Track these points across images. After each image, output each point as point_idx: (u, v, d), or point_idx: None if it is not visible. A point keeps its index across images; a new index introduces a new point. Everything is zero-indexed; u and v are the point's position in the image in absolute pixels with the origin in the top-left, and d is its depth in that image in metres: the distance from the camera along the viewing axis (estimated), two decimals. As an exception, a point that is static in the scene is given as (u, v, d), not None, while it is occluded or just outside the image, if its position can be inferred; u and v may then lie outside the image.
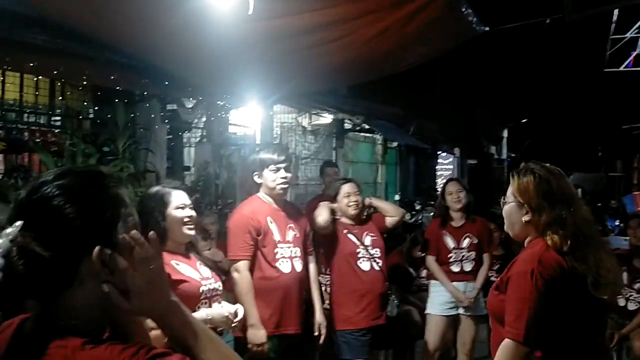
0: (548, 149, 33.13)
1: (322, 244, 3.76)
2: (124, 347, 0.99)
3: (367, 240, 3.78)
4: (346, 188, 3.82)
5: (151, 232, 1.09)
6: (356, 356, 3.59)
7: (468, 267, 4.29)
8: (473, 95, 16.69)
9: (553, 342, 1.95)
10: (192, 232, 2.55)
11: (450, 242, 4.28)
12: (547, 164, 2.17)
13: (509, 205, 2.15)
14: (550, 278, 1.91)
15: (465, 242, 4.28)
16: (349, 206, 3.76)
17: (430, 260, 4.36)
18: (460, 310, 4.28)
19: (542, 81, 16.82)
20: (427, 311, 4.37)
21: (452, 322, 4.31)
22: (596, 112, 18.88)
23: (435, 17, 3.81)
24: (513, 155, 30.71)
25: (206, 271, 2.58)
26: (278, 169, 3.15)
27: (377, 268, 3.74)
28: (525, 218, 2.07)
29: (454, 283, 4.27)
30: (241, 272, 3.02)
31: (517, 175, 2.14)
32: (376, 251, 3.77)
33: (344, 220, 3.82)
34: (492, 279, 5.14)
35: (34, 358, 0.99)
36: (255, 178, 3.19)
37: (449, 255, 4.27)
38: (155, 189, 2.58)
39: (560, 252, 1.96)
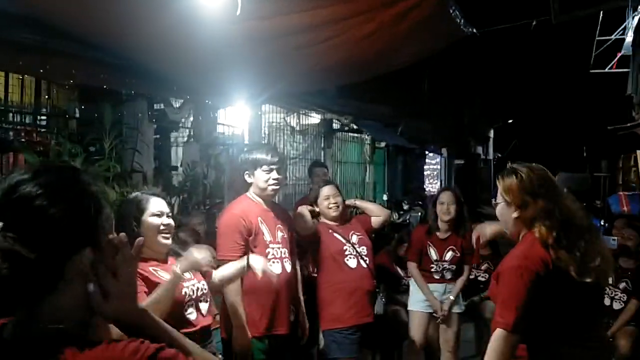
0: (534, 149, 33.38)
1: (309, 245, 3.76)
2: (125, 344, 0.98)
3: (354, 238, 3.80)
4: (325, 191, 3.84)
5: (139, 238, 1.09)
6: (345, 354, 3.59)
7: (448, 275, 4.35)
8: (461, 95, 16.79)
9: (540, 331, 2.10)
10: (168, 242, 2.49)
11: (433, 254, 4.32)
12: (531, 163, 2.34)
13: (500, 205, 2.32)
14: (536, 272, 2.06)
15: (449, 255, 4.31)
16: (330, 208, 3.79)
17: (412, 266, 4.39)
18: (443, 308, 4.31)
19: (528, 82, 16.97)
20: (409, 308, 4.42)
21: (434, 319, 4.33)
22: (582, 112, 19.06)
23: (424, 17, 3.81)
24: (499, 155, 30.94)
25: (187, 273, 2.54)
26: (271, 170, 3.14)
27: (364, 265, 3.75)
28: (514, 215, 2.24)
29: (434, 284, 4.31)
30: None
31: (502, 176, 2.32)
32: (363, 249, 3.79)
33: (327, 222, 3.82)
34: (480, 278, 5.18)
35: None
36: (246, 177, 3.16)
37: (430, 266, 4.32)
38: (134, 194, 2.54)
39: (546, 244, 2.11)
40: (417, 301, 4.36)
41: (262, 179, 3.13)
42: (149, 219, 2.43)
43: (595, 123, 16.36)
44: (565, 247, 2.09)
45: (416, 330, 4.31)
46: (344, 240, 3.75)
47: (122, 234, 1.07)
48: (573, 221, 2.16)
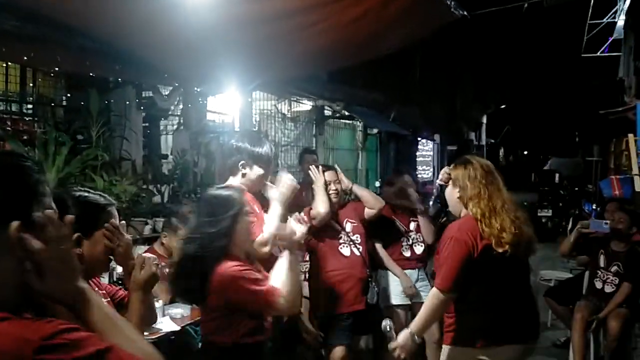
0: (526, 135, 33.49)
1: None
2: (32, 321, 1.01)
3: (348, 226, 3.79)
4: (326, 176, 3.80)
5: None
6: (337, 341, 3.59)
7: (419, 249, 4.30)
8: (453, 81, 16.74)
9: (468, 290, 2.62)
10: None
11: (399, 226, 4.31)
12: (482, 159, 2.86)
13: (448, 187, 2.86)
14: (465, 242, 2.60)
15: (412, 225, 4.31)
16: (330, 194, 3.74)
17: (379, 247, 4.31)
18: (415, 299, 4.20)
19: (520, 67, 16.93)
20: (393, 302, 4.28)
21: (410, 310, 4.28)
22: (573, 97, 19.08)
23: (413, 0, 3.77)
24: (492, 141, 30.96)
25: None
26: (268, 167, 3.09)
27: (357, 253, 3.74)
28: (456, 194, 2.77)
29: (407, 271, 4.26)
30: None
31: (456, 164, 2.82)
32: (357, 237, 3.79)
33: None
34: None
35: None
36: (241, 167, 3.06)
37: (400, 239, 4.28)
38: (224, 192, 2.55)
39: (477, 220, 2.63)
40: (394, 294, 4.26)
41: (259, 174, 3.06)
42: (246, 217, 2.48)
43: (587, 108, 16.38)
44: (488, 224, 2.60)
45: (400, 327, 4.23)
46: (339, 228, 3.73)
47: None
48: (499, 205, 2.65)
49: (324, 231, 3.73)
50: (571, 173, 17.21)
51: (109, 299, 1.93)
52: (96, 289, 1.88)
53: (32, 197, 1.12)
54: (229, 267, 2.28)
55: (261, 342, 2.44)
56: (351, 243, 3.74)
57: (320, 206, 3.60)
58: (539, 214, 11.81)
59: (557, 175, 15.30)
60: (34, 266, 1.06)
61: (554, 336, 5.45)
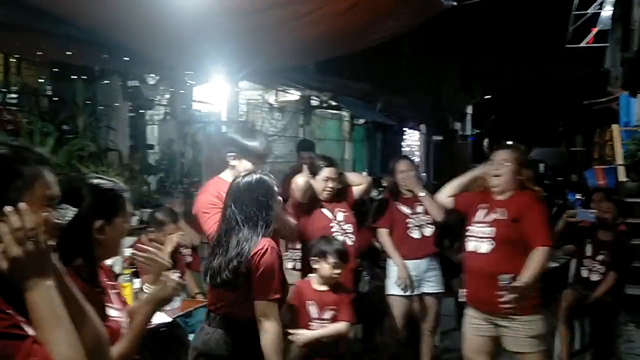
0: (511, 125, 33.75)
1: (295, 218, 3.71)
2: None
3: (340, 215, 3.77)
4: (327, 172, 3.77)
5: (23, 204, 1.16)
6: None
7: (428, 232, 4.24)
8: (439, 71, 16.77)
9: None
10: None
11: (405, 209, 4.25)
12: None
13: (506, 168, 3.30)
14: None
15: (420, 208, 4.23)
16: (325, 190, 3.74)
17: (384, 233, 4.24)
18: (423, 289, 4.24)
19: (506, 57, 17.01)
20: (387, 292, 4.24)
21: (414, 301, 4.29)
22: (558, 88, 19.23)
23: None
24: (477, 131, 31.15)
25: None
26: (259, 161, 3.06)
27: (349, 243, 3.72)
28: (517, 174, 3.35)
29: (416, 260, 4.19)
30: None
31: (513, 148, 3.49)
32: (348, 226, 3.77)
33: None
34: (455, 257, 5.18)
35: None
36: (229, 159, 3.03)
37: (407, 221, 4.22)
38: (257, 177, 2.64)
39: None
40: (395, 284, 4.22)
41: (246, 168, 3.03)
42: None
43: (571, 98, 16.53)
44: None
45: (396, 315, 4.20)
46: (330, 217, 3.72)
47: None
48: None
49: (316, 220, 3.72)
50: (556, 163, 17.39)
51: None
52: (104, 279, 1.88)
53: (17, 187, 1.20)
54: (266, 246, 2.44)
55: None
56: (343, 233, 3.73)
57: (299, 178, 3.61)
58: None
59: (541, 165, 15.44)
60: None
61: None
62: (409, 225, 4.20)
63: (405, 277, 4.13)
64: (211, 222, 2.92)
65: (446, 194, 3.59)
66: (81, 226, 1.71)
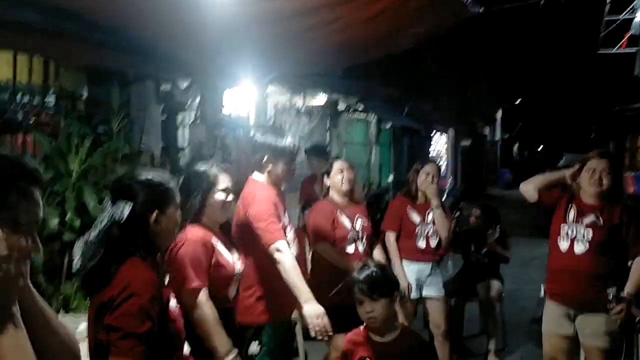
0: (541, 130, 33.29)
1: (315, 222, 3.74)
2: None
3: (358, 224, 3.76)
4: (338, 165, 3.81)
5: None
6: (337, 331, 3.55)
7: (434, 242, 4.22)
8: (468, 76, 16.70)
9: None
10: (227, 215, 2.70)
11: (415, 217, 4.25)
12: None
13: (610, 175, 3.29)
14: None
15: (430, 217, 4.20)
16: (343, 182, 3.74)
17: (391, 237, 4.22)
18: (424, 293, 4.19)
19: (536, 62, 16.86)
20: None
21: (416, 304, 4.28)
22: (589, 93, 18.94)
23: (430, -2, 3.81)
24: (506, 136, 30.85)
25: (235, 254, 2.65)
26: (292, 161, 3.14)
27: (360, 250, 3.71)
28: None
29: (420, 264, 4.19)
30: (284, 252, 2.90)
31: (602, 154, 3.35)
32: (364, 235, 3.76)
33: (337, 198, 3.79)
34: (482, 262, 5.19)
35: None
36: (265, 163, 3.10)
37: (415, 230, 4.20)
38: (203, 167, 2.63)
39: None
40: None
41: (284, 170, 3.10)
42: (217, 195, 2.57)
43: (603, 104, 16.26)
44: None
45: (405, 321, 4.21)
46: (349, 227, 3.70)
47: None
48: None
49: (336, 228, 3.69)
50: (586, 169, 17.09)
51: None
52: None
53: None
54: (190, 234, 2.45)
55: (226, 310, 2.55)
56: (358, 240, 3.71)
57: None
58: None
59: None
60: None
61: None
62: (416, 234, 4.21)
63: (405, 286, 4.11)
64: (274, 226, 2.95)
65: (533, 187, 3.60)
66: (138, 220, 1.84)
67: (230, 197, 2.63)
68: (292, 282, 2.86)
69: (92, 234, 1.82)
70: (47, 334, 1.22)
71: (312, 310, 2.85)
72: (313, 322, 2.84)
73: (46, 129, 4.66)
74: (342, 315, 3.57)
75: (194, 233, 2.46)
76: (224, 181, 2.60)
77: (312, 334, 2.88)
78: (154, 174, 1.97)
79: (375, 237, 4.06)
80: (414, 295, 4.18)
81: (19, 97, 5.01)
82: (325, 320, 2.85)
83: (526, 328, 5.75)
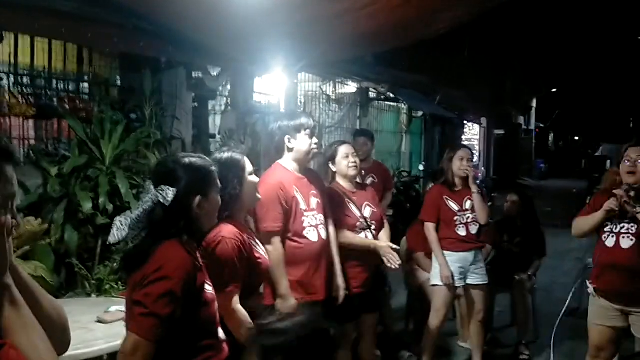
0: (578, 120, 32.56)
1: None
2: None
3: (367, 211, 3.66)
4: (344, 149, 3.66)
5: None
6: (343, 321, 3.55)
7: (474, 229, 4.19)
8: (502, 64, 16.39)
9: None
10: (260, 196, 2.60)
11: (453, 206, 4.19)
12: None
13: None
14: None
15: (468, 204, 4.16)
16: (349, 167, 3.62)
17: (430, 227, 4.20)
18: (468, 281, 4.21)
19: (573, 50, 16.44)
20: (432, 282, 4.23)
21: (458, 292, 4.27)
22: (628, 81, 18.40)
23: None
24: (542, 125, 30.23)
25: (262, 247, 2.62)
26: (312, 134, 3.15)
27: (371, 239, 3.68)
28: None
29: (462, 253, 4.16)
30: (274, 244, 2.98)
31: None
32: (373, 223, 3.67)
33: (344, 184, 3.66)
34: (514, 251, 5.12)
35: None
36: (287, 142, 3.13)
37: (454, 219, 4.15)
38: (227, 154, 2.47)
39: None
40: (437, 275, 4.16)
41: (306, 142, 3.13)
42: (250, 177, 2.49)
43: (643, 92, 15.80)
44: None
45: (442, 306, 4.18)
46: (357, 214, 3.60)
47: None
48: None
49: (342, 215, 3.58)
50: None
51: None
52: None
53: None
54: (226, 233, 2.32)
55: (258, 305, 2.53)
56: (367, 229, 3.62)
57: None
58: (588, 202, 11.48)
59: (608, 162, 14.86)
60: None
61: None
62: (456, 223, 4.17)
63: (448, 275, 4.11)
64: (269, 216, 3.00)
65: (587, 233, 3.53)
66: (182, 204, 1.84)
67: (257, 180, 2.59)
68: (274, 275, 2.92)
69: (135, 214, 1.83)
70: (34, 307, 1.21)
71: (286, 305, 2.93)
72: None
73: (80, 114, 4.73)
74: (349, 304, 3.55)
75: (228, 230, 2.35)
76: (249, 164, 2.54)
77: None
78: (197, 159, 1.96)
79: (404, 226, 4.03)
80: (458, 283, 4.17)
81: (54, 83, 5.11)
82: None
83: (559, 321, 5.67)
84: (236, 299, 2.33)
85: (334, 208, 3.53)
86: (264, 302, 2.96)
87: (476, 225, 4.19)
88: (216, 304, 1.94)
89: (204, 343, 1.87)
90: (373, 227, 3.67)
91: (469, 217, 4.16)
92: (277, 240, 3.00)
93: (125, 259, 1.92)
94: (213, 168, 1.98)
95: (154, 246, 1.80)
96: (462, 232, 4.15)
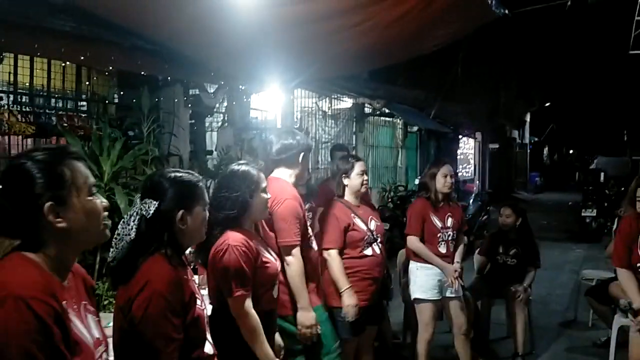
0: (572, 133, 32.74)
1: (326, 222, 3.72)
2: None
3: (372, 224, 3.76)
4: (360, 166, 3.77)
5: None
6: (345, 334, 3.56)
7: (451, 247, 4.25)
8: (496, 79, 16.54)
9: None
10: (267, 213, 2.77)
11: (437, 222, 4.25)
12: None
13: None
14: None
15: (449, 222, 4.23)
16: (363, 185, 3.74)
17: (414, 240, 4.22)
18: (447, 293, 4.21)
19: (565, 64, 16.62)
20: (415, 296, 4.23)
21: (440, 304, 4.29)
22: (621, 95, 18.59)
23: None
24: (536, 139, 30.40)
25: (272, 252, 2.72)
26: (308, 154, 3.26)
27: (378, 252, 3.73)
28: None
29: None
30: (296, 256, 3.02)
31: None
32: (379, 236, 3.76)
33: (351, 199, 3.77)
34: (509, 263, 5.16)
35: None
36: (299, 158, 3.19)
37: (438, 235, 4.20)
38: (244, 168, 2.61)
39: None
40: (426, 288, 4.18)
41: (307, 161, 3.24)
42: (262, 194, 2.61)
43: (635, 106, 15.95)
44: None
45: (428, 319, 4.19)
46: (365, 228, 3.70)
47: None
48: None
49: (353, 232, 3.68)
50: (618, 172, 16.79)
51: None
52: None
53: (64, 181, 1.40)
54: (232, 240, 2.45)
55: (269, 312, 2.61)
56: (374, 242, 3.71)
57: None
58: (582, 214, 11.55)
59: (602, 174, 14.96)
60: None
61: (595, 335, 5.41)
62: (438, 240, 4.21)
63: (452, 271, 4.15)
64: (292, 228, 3.04)
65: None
66: (164, 217, 1.87)
67: (268, 197, 2.68)
68: (296, 287, 3.00)
69: (122, 229, 1.87)
70: None
71: (306, 318, 3.01)
72: (303, 329, 3.01)
73: (79, 132, 4.78)
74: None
75: (234, 238, 2.46)
76: (264, 181, 2.64)
77: (298, 337, 3.01)
78: (183, 173, 1.99)
79: (401, 238, 4.07)
80: (436, 296, 4.19)
81: (52, 101, 5.17)
82: (314, 329, 3.02)
83: (555, 332, 5.70)
84: (248, 303, 2.43)
85: (340, 224, 3.64)
86: (281, 312, 3.02)
87: (453, 243, 4.26)
88: (205, 319, 1.96)
89: (192, 356, 1.88)
90: (379, 239, 3.75)
91: (449, 234, 4.22)
92: (297, 252, 3.04)
93: (113, 273, 1.93)
94: (200, 184, 1.98)
95: (140, 259, 1.82)
96: (442, 249, 4.20)
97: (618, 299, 4.36)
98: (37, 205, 1.33)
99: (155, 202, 1.87)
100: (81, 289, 1.52)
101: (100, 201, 1.45)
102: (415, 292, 4.24)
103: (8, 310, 1.21)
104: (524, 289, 4.95)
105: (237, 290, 2.40)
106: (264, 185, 2.61)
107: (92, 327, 1.47)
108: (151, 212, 1.85)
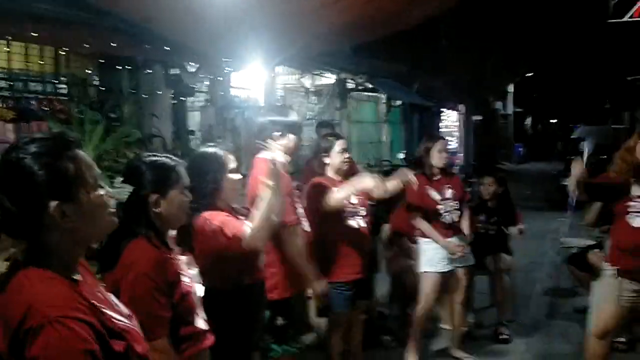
0: (555, 103, 32.89)
1: (311, 200, 3.69)
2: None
3: (354, 198, 3.72)
4: (341, 144, 3.74)
5: None
6: (338, 308, 3.64)
7: (456, 217, 4.29)
8: (478, 51, 16.53)
9: None
10: (240, 195, 2.75)
11: (435, 195, 4.31)
12: None
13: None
14: None
15: (449, 193, 4.26)
16: (344, 162, 3.72)
17: (419, 220, 4.27)
18: (455, 264, 4.25)
19: (546, 34, 16.63)
20: (423, 269, 4.28)
21: (447, 277, 4.36)
22: (602, 64, 18.68)
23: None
24: (519, 110, 30.55)
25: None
26: (299, 134, 3.25)
27: (362, 225, 3.77)
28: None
29: (449, 239, 4.25)
30: (298, 234, 3.08)
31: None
32: (362, 209, 3.75)
33: (332, 176, 3.74)
34: (490, 232, 5.24)
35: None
36: (276, 138, 3.19)
37: (438, 207, 4.25)
38: (211, 150, 2.62)
39: None
40: (434, 262, 4.24)
41: (294, 141, 3.22)
42: (230, 175, 2.60)
43: (616, 74, 16.06)
44: None
45: (432, 292, 4.25)
46: (346, 202, 3.66)
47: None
48: None
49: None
50: (602, 141, 16.92)
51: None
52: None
53: (71, 177, 1.29)
54: (210, 216, 2.47)
55: (260, 281, 2.67)
56: (358, 215, 3.72)
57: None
58: (562, 183, 11.69)
59: (583, 143, 15.10)
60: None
61: (576, 302, 5.54)
62: (440, 211, 4.26)
63: (456, 249, 4.23)
64: (289, 208, 3.05)
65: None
66: (139, 202, 1.89)
67: (239, 177, 2.68)
68: (301, 264, 3.06)
69: None
70: None
71: (321, 286, 3.20)
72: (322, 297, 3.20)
73: (59, 116, 4.75)
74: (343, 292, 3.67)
75: (212, 214, 2.49)
76: (232, 162, 2.64)
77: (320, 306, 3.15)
78: (160, 158, 1.98)
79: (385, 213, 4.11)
80: (443, 269, 4.25)
81: (32, 85, 5.11)
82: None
83: (537, 300, 5.83)
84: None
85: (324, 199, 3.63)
86: (284, 295, 3.10)
87: (457, 213, 4.29)
88: (194, 296, 1.98)
89: (181, 333, 1.90)
90: (363, 213, 3.77)
91: (451, 205, 4.26)
92: (296, 231, 3.09)
93: (98, 257, 1.92)
94: (177, 168, 1.97)
95: (123, 243, 1.84)
96: (447, 219, 4.24)
97: (597, 267, 4.45)
98: (41, 205, 1.23)
99: (130, 186, 1.89)
100: (87, 275, 1.45)
101: (106, 192, 1.37)
102: (424, 265, 4.29)
103: (51, 337, 1.12)
104: (505, 257, 5.05)
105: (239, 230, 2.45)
106: (231, 166, 2.61)
107: (117, 304, 1.44)
108: (125, 196, 1.87)
